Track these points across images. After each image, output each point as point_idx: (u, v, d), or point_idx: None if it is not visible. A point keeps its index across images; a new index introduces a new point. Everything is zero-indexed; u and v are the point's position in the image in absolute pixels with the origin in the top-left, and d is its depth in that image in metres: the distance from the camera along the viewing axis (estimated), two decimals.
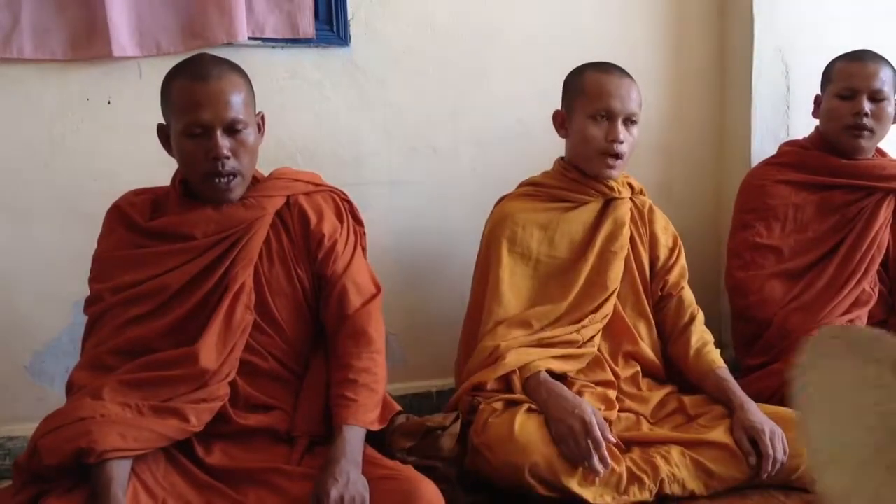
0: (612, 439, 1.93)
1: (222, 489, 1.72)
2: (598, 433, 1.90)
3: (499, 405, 2.01)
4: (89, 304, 1.87)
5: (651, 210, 2.34)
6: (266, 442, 1.84)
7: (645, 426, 2.13)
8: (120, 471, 1.60)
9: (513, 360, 2.07)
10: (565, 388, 2.04)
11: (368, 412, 1.84)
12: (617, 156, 2.17)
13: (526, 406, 1.99)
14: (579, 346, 2.16)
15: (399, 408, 1.96)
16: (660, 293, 2.31)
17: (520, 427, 1.93)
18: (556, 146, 2.33)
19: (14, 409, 2.34)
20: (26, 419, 2.21)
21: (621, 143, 2.16)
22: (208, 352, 1.78)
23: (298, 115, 2.51)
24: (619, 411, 2.14)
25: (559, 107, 2.28)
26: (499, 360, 2.07)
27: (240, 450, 1.81)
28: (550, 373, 2.09)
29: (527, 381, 2.05)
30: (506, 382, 2.07)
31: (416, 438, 1.91)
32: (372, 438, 1.87)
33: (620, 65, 2.25)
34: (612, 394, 2.16)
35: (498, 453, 1.93)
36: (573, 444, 1.90)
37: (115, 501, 1.56)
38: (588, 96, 2.18)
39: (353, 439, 1.77)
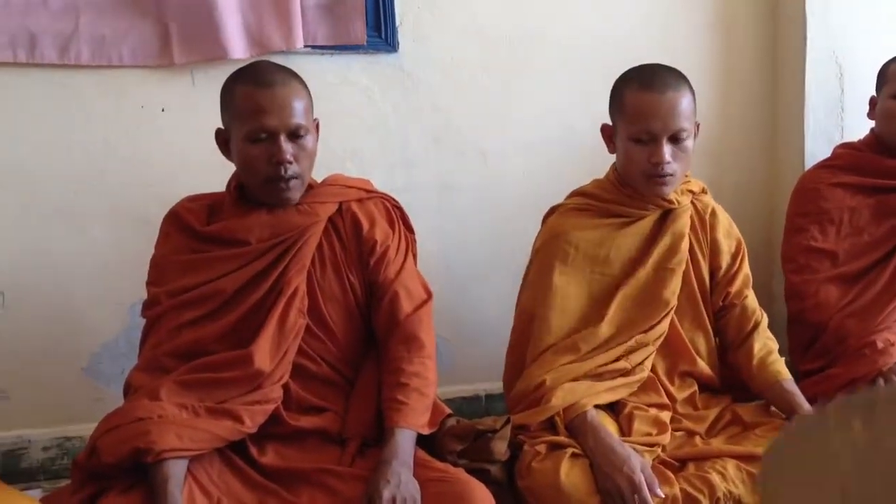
0: (661, 494, 1.86)
1: (276, 489, 1.74)
2: (646, 493, 1.82)
3: (542, 448, 1.92)
4: (146, 307, 1.91)
5: (713, 214, 2.18)
6: (318, 443, 1.86)
7: (699, 441, 2.06)
8: (176, 470, 1.63)
9: (558, 401, 1.97)
10: (613, 434, 1.94)
11: (419, 416, 1.84)
12: (665, 176, 2.01)
13: (570, 451, 1.91)
14: (627, 374, 2.07)
15: (449, 411, 1.97)
16: (721, 303, 2.19)
17: (565, 476, 1.86)
18: (606, 151, 2.30)
19: (72, 410, 2.39)
20: (83, 419, 2.26)
21: (668, 163, 1.99)
22: (262, 354, 1.80)
23: (348, 120, 2.54)
24: (674, 430, 2.06)
25: (606, 110, 2.15)
26: (543, 400, 1.99)
27: (293, 451, 1.83)
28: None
29: (572, 421, 1.96)
30: (550, 420, 2.00)
31: (466, 441, 1.90)
32: (422, 442, 1.87)
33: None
34: (667, 416, 2.07)
35: (543, 500, 1.87)
36: (620, 502, 1.84)
37: (172, 500, 1.58)
38: (627, 117, 2.02)
39: (404, 442, 1.78)
